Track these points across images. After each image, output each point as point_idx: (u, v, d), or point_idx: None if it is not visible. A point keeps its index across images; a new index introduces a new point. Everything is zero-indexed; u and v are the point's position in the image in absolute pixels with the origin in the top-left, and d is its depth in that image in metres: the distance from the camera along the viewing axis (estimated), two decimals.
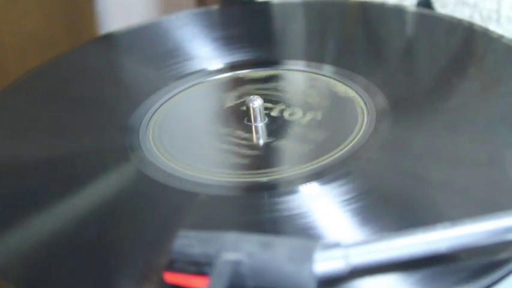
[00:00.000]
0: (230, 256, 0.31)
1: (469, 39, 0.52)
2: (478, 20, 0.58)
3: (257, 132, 0.45)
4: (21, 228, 0.39)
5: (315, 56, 0.52)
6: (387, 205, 0.38)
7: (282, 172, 0.41)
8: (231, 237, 0.32)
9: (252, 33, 0.56)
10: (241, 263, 0.31)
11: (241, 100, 0.48)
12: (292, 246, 0.32)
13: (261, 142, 0.44)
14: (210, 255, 0.32)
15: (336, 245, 0.32)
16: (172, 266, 0.32)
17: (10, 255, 0.38)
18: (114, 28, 0.60)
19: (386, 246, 0.32)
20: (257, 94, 0.46)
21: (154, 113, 0.48)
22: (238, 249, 0.32)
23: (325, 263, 0.31)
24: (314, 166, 0.41)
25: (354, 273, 0.32)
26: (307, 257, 0.31)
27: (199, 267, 0.32)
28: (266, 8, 0.61)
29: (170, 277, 0.33)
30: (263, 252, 0.31)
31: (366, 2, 0.59)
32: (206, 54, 0.54)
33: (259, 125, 0.45)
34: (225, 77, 0.51)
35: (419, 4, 0.61)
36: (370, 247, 0.32)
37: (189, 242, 0.32)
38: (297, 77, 0.51)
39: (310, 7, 0.60)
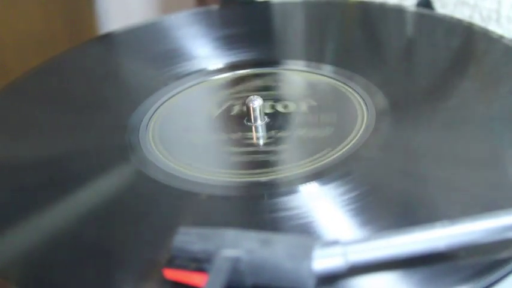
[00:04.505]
0: (229, 253, 0.31)
1: (468, 39, 0.52)
2: (478, 20, 0.58)
3: (257, 132, 0.45)
4: (22, 228, 0.39)
5: (314, 55, 0.52)
6: (387, 205, 0.38)
7: (282, 172, 0.41)
8: (230, 234, 0.32)
9: (252, 33, 0.56)
10: (240, 259, 0.31)
11: (241, 100, 0.48)
12: (291, 244, 0.32)
13: (261, 142, 0.44)
14: (210, 251, 0.32)
15: (335, 243, 0.32)
16: (172, 263, 0.32)
17: (10, 255, 0.37)
18: (114, 28, 0.60)
19: (385, 244, 0.32)
20: (257, 94, 0.46)
21: (154, 113, 0.48)
22: (237, 246, 0.32)
23: (324, 261, 0.31)
24: (314, 166, 0.41)
25: (352, 271, 0.32)
26: (306, 255, 0.31)
27: (199, 263, 0.32)
28: (266, 7, 0.61)
29: (170, 273, 0.33)
30: (262, 249, 0.31)
31: (365, 2, 0.59)
32: (206, 54, 0.54)
33: (259, 124, 0.45)
34: (225, 77, 0.51)
35: (419, 4, 0.61)
36: (369, 245, 0.32)
37: (189, 238, 0.32)
38: (297, 76, 0.51)
39: (310, 7, 0.60)
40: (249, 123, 0.45)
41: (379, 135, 0.43)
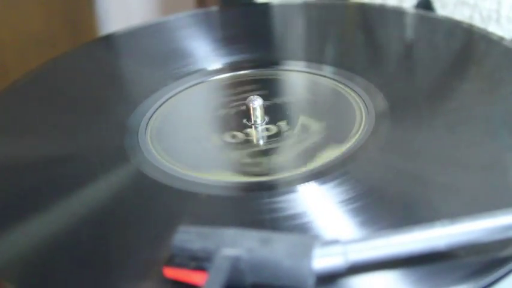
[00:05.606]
0: (229, 252, 0.31)
1: (468, 41, 0.52)
2: (478, 20, 0.58)
3: (257, 132, 0.45)
4: (21, 228, 0.39)
5: (314, 56, 0.53)
6: (386, 205, 0.38)
7: (282, 172, 0.41)
8: (230, 233, 0.32)
9: (252, 34, 0.56)
10: (240, 258, 0.31)
11: (241, 100, 0.48)
12: (291, 243, 0.32)
13: (261, 142, 0.44)
14: (210, 250, 0.32)
15: (334, 242, 0.32)
16: (172, 261, 0.32)
17: (10, 255, 0.37)
18: (115, 29, 0.60)
19: (385, 243, 0.32)
20: (257, 94, 0.46)
21: (153, 113, 0.48)
22: (237, 244, 0.32)
23: (323, 260, 0.31)
24: (313, 166, 0.41)
25: (352, 270, 0.32)
26: (306, 253, 0.31)
27: (199, 262, 0.32)
28: (266, 9, 0.61)
29: (170, 272, 0.33)
30: (262, 248, 0.31)
31: (365, 4, 0.59)
32: (206, 55, 0.54)
33: (259, 124, 0.45)
34: (224, 77, 0.51)
35: (419, 4, 0.61)
36: (368, 244, 0.32)
37: (188, 237, 0.32)
38: (297, 77, 0.51)
39: (310, 8, 0.60)
40: (249, 123, 0.45)
41: (379, 136, 0.43)
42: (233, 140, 0.44)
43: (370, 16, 0.57)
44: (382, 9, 0.58)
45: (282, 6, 0.60)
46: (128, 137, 0.45)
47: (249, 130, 0.45)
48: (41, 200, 0.41)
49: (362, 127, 0.44)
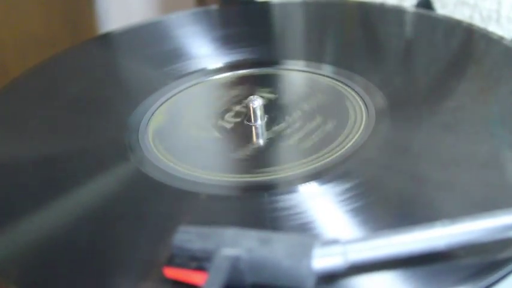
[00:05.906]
0: (229, 251, 0.31)
1: (468, 40, 0.52)
2: (478, 20, 0.58)
3: (257, 132, 0.45)
4: (21, 227, 0.39)
5: (314, 55, 0.53)
6: (386, 205, 0.38)
7: (282, 172, 0.41)
8: (230, 233, 0.32)
9: (252, 33, 0.56)
10: (240, 258, 0.31)
11: (241, 100, 0.48)
12: (291, 243, 0.31)
13: (261, 142, 0.44)
14: (209, 250, 0.32)
15: (334, 242, 0.32)
16: (172, 261, 0.32)
17: (9, 254, 0.37)
18: (114, 28, 0.60)
19: (385, 243, 0.32)
20: (257, 94, 0.46)
21: (154, 113, 0.48)
22: (237, 244, 0.32)
23: (323, 259, 0.31)
24: (313, 166, 0.41)
25: (352, 270, 0.32)
26: (306, 253, 0.31)
27: (199, 262, 0.32)
28: (266, 8, 0.61)
29: (170, 272, 0.33)
30: (262, 248, 0.31)
31: (365, 3, 0.59)
32: (206, 54, 0.54)
33: (259, 124, 0.45)
34: (224, 77, 0.51)
35: (419, 4, 0.61)
36: (368, 244, 0.32)
37: (188, 237, 0.32)
38: (297, 76, 0.51)
39: (310, 7, 0.60)
40: (249, 123, 0.45)
41: (379, 135, 0.43)
42: (233, 140, 0.44)
43: (370, 15, 0.57)
44: (382, 8, 0.58)
45: (281, 5, 0.60)
46: (128, 136, 0.45)
47: (249, 130, 0.45)
48: (41, 198, 0.41)
49: (362, 126, 0.44)
